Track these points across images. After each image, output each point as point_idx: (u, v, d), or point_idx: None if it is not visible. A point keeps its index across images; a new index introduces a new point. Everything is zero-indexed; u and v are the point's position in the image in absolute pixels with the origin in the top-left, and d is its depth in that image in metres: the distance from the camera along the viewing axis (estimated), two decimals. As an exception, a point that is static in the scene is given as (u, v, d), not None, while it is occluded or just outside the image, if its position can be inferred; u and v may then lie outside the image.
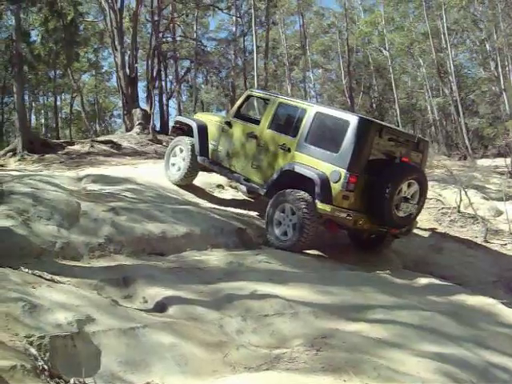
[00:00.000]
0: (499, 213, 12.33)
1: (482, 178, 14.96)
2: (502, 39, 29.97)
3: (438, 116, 37.83)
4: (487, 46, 34.24)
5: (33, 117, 45.79)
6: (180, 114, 34.85)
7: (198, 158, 9.71)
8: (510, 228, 10.99)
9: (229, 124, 9.51)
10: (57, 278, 5.47)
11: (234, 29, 39.58)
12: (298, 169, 8.14)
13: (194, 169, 10.00)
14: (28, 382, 3.23)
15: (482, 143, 35.25)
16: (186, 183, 10.25)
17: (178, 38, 36.15)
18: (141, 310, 5.06)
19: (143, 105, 28.67)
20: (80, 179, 9.97)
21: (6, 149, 20.68)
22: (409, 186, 8.00)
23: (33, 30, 30.06)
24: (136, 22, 28.44)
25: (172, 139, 11.54)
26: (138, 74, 30.06)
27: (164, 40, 32.34)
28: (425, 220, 10.78)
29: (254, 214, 9.70)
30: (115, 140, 22.93)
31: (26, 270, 5.41)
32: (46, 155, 18.70)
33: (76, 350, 3.97)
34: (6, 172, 11.98)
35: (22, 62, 21.61)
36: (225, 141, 9.50)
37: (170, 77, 41.32)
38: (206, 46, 38.24)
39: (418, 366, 4.29)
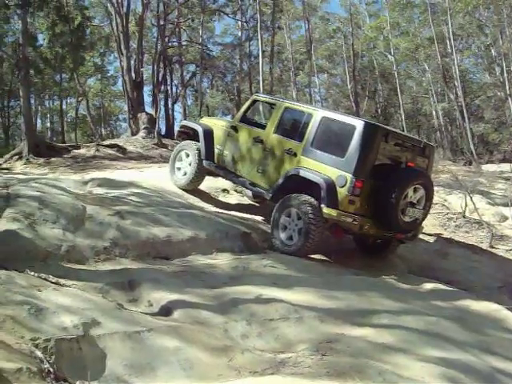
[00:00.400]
0: (504, 218, 12.31)
1: (487, 183, 14.93)
2: (508, 44, 29.97)
3: (443, 121, 37.79)
4: (493, 51, 34.22)
5: (39, 120, 46.03)
6: (185, 119, 34.92)
7: (204, 163, 9.70)
8: (516, 233, 10.97)
9: (235, 128, 9.52)
10: (62, 281, 5.47)
11: (239, 33, 39.75)
12: (303, 173, 8.13)
13: (200, 173, 10.00)
14: (34, 385, 3.24)
15: (487, 148, 35.17)
16: (193, 188, 10.25)
17: (184, 43, 36.33)
18: (146, 314, 5.06)
19: (149, 109, 28.82)
20: (85, 183, 9.98)
21: (12, 152, 20.76)
22: (415, 191, 7.99)
23: (40, 34, 30.23)
24: (142, 27, 28.58)
25: (177, 143, 11.55)
26: (144, 78, 30.18)
27: (170, 44, 32.52)
28: (430, 225, 10.76)
29: (259, 218, 9.70)
30: (121, 144, 23.00)
31: (32, 273, 5.42)
32: (52, 159, 18.78)
33: (81, 353, 3.97)
34: (12, 175, 12.00)
35: (28, 65, 21.74)
36: (231, 145, 9.50)
37: (176, 81, 41.56)
38: (211, 51, 38.48)
39: (422, 371, 4.28)
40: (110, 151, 21.28)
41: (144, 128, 25.47)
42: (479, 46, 37.35)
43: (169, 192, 9.99)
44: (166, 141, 25.02)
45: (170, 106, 36.16)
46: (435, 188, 8.96)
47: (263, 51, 32.23)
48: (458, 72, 31.00)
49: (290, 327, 5.12)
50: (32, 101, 34.02)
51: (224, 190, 10.94)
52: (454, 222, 11.45)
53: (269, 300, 5.64)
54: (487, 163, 25.68)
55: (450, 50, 32.55)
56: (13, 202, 7.51)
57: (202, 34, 37.32)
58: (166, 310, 5.26)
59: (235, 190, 11.08)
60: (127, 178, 11.07)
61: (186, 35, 37.12)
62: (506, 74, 31.44)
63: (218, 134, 9.77)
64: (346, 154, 7.80)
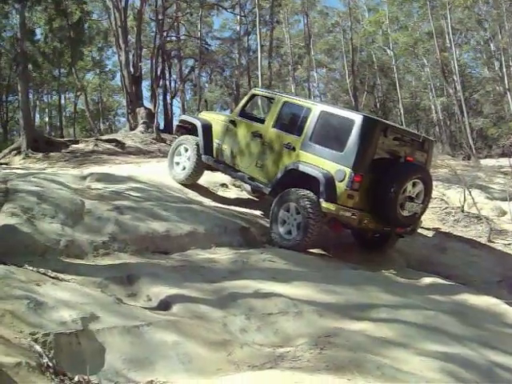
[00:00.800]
0: (503, 213, 12.31)
1: (485, 177, 14.93)
2: (507, 39, 29.96)
3: (441, 116, 37.83)
4: (491, 45, 34.24)
5: (37, 115, 45.96)
6: (184, 113, 34.86)
7: (203, 157, 9.68)
8: (514, 228, 10.98)
9: (233, 123, 9.49)
10: (61, 275, 5.48)
11: (238, 28, 39.67)
12: (302, 168, 8.12)
13: (199, 168, 9.98)
14: (33, 379, 3.24)
15: (486, 143, 35.26)
16: (192, 182, 10.24)
17: (182, 37, 36.26)
18: (145, 308, 5.06)
19: (147, 104, 28.73)
20: (84, 178, 9.97)
21: (11, 147, 20.75)
22: (414, 185, 7.98)
23: (38, 28, 30.15)
24: (140, 21, 28.51)
25: (176, 138, 11.53)
26: (142, 72, 30.14)
27: (168, 39, 32.44)
28: (429, 220, 10.76)
29: (257, 212, 9.69)
30: (119, 139, 22.97)
31: (31, 268, 5.43)
32: (51, 153, 18.76)
33: (80, 347, 3.97)
34: (11, 170, 11.99)
35: (26, 60, 21.70)
36: (229, 140, 9.49)
37: (174, 76, 41.49)
38: (210, 45, 38.41)
39: (421, 365, 4.29)
40: (108, 146, 21.26)
41: (143, 123, 25.44)
42: (478, 41, 37.37)
43: (168, 186, 9.98)
44: (164, 135, 25.00)
45: (168, 100, 36.09)
46: (434, 182, 8.96)
47: (262, 46, 32.20)
48: (456, 66, 31.01)
49: (289, 321, 5.12)
50: (30, 95, 33.97)
51: (223, 185, 10.92)
52: (453, 216, 11.45)
53: (268, 294, 5.65)
54: (486, 158, 25.73)
55: (449, 45, 32.59)
56: (11, 196, 7.51)
57: (201, 28, 37.22)
58: (164, 305, 5.26)
59: (234, 185, 11.07)
60: (126, 172, 11.05)
61: (185, 29, 37.02)
62: (504, 69, 31.47)
63: (217, 129, 9.75)
64: (344, 149, 7.78)
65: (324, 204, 7.73)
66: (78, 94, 41.73)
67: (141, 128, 25.12)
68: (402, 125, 30.40)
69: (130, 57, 27.20)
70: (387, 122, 9.01)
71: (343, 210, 7.68)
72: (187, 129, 10.46)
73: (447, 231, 10.71)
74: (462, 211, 11.59)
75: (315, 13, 44.79)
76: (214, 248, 7.71)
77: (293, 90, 38.85)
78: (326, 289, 6.11)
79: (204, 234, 7.90)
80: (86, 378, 3.64)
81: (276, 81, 44.02)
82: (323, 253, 8.30)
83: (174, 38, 34.75)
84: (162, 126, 30.07)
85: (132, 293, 5.59)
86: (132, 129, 25.89)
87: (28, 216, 6.95)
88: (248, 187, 10.51)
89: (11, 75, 32.77)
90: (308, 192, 7.93)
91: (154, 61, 30.01)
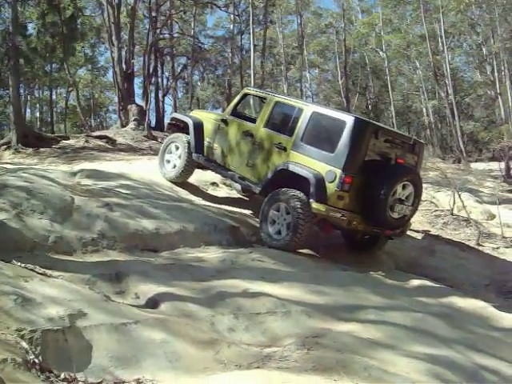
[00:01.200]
0: (492, 216, 12.40)
1: (475, 181, 15.04)
2: (499, 43, 30.09)
3: (433, 119, 38.01)
4: (484, 49, 34.41)
5: (28, 110, 45.60)
6: (176, 111, 34.79)
7: (194, 156, 9.67)
8: (503, 231, 11.03)
9: (225, 122, 9.49)
10: (49, 272, 5.45)
11: (231, 27, 39.66)
12: (293, 168, 8.13)
13: (190, 166, 9.97)
14: (18, 376, 3.22)
15: (476, 147, 35.43)
16: (182, 180, 10.22)
17: (176, 35, 36.17)
18: (133, 306, 5.05)
19: (139, 101, 28.69)
20: (74, 174, 9.92)
21: (1, 142, 20.57)
22: (404, 187, 8.00)
23: (30, 23, 29.98)
24: (133, 18, 28.40)
25: (167, 136, 11.51)
26: (135, 69, 30.03)
27: (161, 36, 32.31)
28: (418, 222, 10.81)
29: (247, 212, 9.69)
30: (110, 135, 22.86)
31: (19, 264, 5.39)
32: (41, 149, 18.61)
33: (67, 344, 3.95)
34: (0, 165, 11.92)
35: (18, 54, 21.57)
36: (220, 138, 9.47)
37: (167, 73, 41.39)
38: (203, 44, 38.34)
39: (408, 367, 4.30)
40: (99, 142, 21.15)
41: (134, 120, 25.34)
42: (470, 45, 37.54)
43: (158, 184, 9.97)
44: (155, 133, 24.93)
45: (160, 98, 36.00)
46: (424, 185, 8.99)
47: (255, 45, 32.23)
48: (449, 70, 31.15)
49: (277, 321, 5.12)
50: (21, 90, 33.74)
51: (213, 184, 10.91)
52: (442, 219, 11.51)
53: (256, 294, 5.65)
54: (476, 161, 25.88)
55: (441, 48, 32.71)
56: (0, 191, 7.46)
57: (194, 26, 37.20)
58: (152, 303, 5.25)
59: (224, 184, 11.06)
60: (116, 169, 11.02)
61: (178, 27, 36.96)
62: (496, 73, 31.62)
63: (208, 127, 9.74)
64: (335, 150, 7.79)
65: (314, 205, 7.74)
66: (70, 89, 41.57)
67: (132, 125, 25.03)
68: (393, 127, 30.48)
69: (123, 53, 27.11)
70: (378, 124, 9.04)
71: (333, 210, 7.69)
72: (178, 127, 10.44)
73: (436, 234, 10.76)
74: (452, 214, 11.65)
75: (309, 13, 44.86)
76: (203, 247, 7.71)
77: (285, 90, 38.91)
78: (315, 289, 6.12)
79: (193, 232, 7.90)
80: (72, 375, 3.62)
81: (268, 80, 44.04)
82: (312, 253, 8.30)
83: (167, 36, 34.64)
84: (153, 124, 30.04)
85: (120, 290, 5.58)
86: (123, 126, 25.79)
87: (17, 211, 6.91)
88: (238, 186, 10.48)
89: (2, 69, 32.56)
90: (298, 192, 7.93)
91: (146, 58, 29.88)
